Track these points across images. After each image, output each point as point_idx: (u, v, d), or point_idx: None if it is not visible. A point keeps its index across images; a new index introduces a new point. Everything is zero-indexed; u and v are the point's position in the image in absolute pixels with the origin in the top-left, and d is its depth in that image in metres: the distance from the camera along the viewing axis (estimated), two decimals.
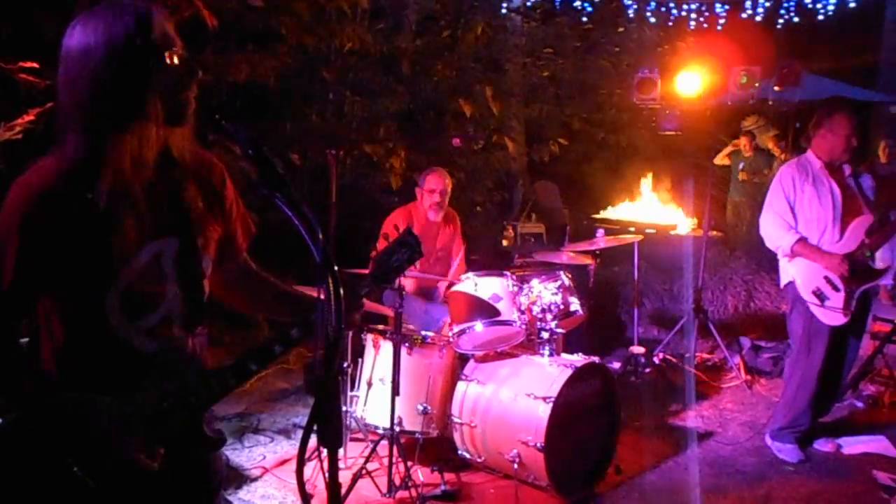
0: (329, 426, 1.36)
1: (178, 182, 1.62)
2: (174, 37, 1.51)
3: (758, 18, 11.21)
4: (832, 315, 3.87)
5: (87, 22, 1.47)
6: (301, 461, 1.39)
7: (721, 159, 10.05)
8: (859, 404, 4.95)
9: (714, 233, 8.86)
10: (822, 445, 4.20)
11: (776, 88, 5.96)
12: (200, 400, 1.63)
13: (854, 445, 4.23)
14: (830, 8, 10.85)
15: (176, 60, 1.48)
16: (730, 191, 10.10)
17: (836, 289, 3.86)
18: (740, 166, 9.89)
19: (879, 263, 3.91)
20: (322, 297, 1.36)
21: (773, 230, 4.00)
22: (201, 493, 1.78)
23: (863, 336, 4.21)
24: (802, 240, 3.92)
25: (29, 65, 3.27)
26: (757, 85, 5.80)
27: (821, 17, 11.02)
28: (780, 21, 11.28)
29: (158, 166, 1.57)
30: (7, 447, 1.54)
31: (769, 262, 5.80)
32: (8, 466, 1.53)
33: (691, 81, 6.03)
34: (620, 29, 11.52)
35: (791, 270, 4.01)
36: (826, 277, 3.88)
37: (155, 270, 1.59)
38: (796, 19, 11.18)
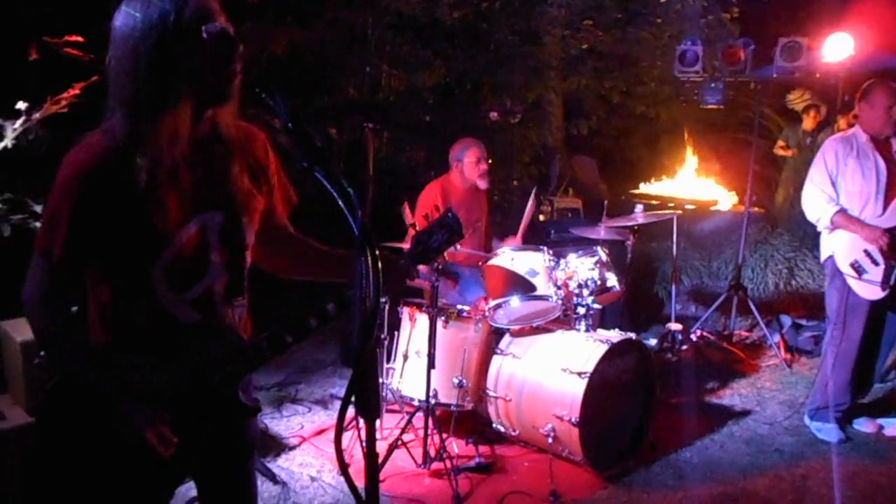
0: (367, 397, 1.38)
1: (224, 158, 1.65)
2: (215, 11, 1.51)
3: None
4: (870, 289, 3.83)
5: (129, 3, 1.50)
6: (339, 431, 1.42)
7: (780, 150, 9.69)
8: None
9: (755, 209, 8.66)
10: (863, 426, 4.14)
11: (824, 60, 5.75)
12: (237, 369, 1.68)
13: None
14: None
15: (213, 35, 1.48)
16: (785, 168, 9.74)
17: (875, 262, 3.81)
18: (808, 141, 9.53)
19: None
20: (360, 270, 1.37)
21: (814, 202, 3.98)
22: (236, 457, 1.85)
23: None
24: (842, 211, 3.88)
25: (74, 39, 3.32)
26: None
27: None
28: None
29: (204, 143, 1.60)
30: (52, 409, 1.62)
31: (811, 239, 5.68)
32: (53, 426, 1.61)
33: (735, 53, 5.87)
34: None
35: (830, 244, 3.97)
36: (866, 251, 3.83)
37: (200, 243, 1.63)
38: None
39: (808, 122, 9.60)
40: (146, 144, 1.51)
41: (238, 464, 1.87)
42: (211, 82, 1.52)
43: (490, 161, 4.61)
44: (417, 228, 1.86)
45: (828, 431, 4.02)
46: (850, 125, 9.21)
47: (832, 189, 3.93)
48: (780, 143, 9.64)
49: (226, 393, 1.68)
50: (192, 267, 1.64)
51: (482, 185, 4.57)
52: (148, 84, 1.48)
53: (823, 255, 4.08)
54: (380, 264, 1.31)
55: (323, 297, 1.70)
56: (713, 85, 6.29)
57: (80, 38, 3.41)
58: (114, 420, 1.57)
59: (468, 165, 4.52)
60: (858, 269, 3.84)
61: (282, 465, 3.61)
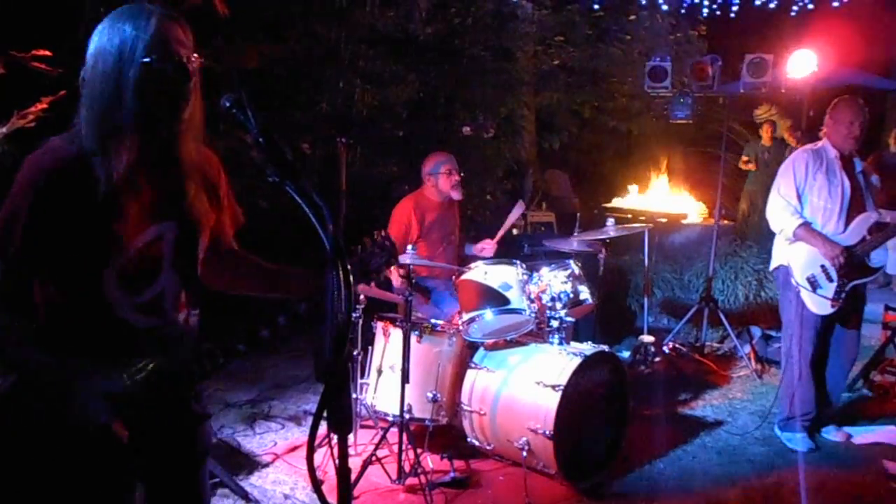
0: (339, 412, 1.38)
1: (181, 174, 1.71)
2: (175, 40, 1.60)
3: (772, 5, 11.09)
4: (821, 303, 3.92)
5: (105, 25, 1.61)
6: (311, 447, 1.41)
7: (744, 164, 9.93)
8: (870, 394, 4.94)
9: (725, 222, 8.80)
10: (832, 435, 4.20)
11: (789, 76, 5.89)
12: (191, 375, 1.70)
13: (864, 435, 4.22)
14: None
15: (168, 64, 1.58)
16: (747, 181, 9.99)
17: (830, 279, 3.91)
18: (765, 155, 9.76)
19: (874, 262, 3.96)
20: (332, 284, 1.38)
21: (779, 212, 4.03)
22: (186, 464, 1.86)
23: (860, 328, 4.19)
24: (806, 224, 3.95)
25: (41, 53, 3.29)
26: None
27: (836, 5, 10.89)
28: (795, 8, 11.16)
29: (163, 162, 1.67)
30: (5, 410, 1.61)
31: None
32: (6, 427, 1.60)
33: (703, 69, 5.98)
34: (632, 17, 11.44)
35: (786, 254, 4.04)
36: (822, 266, 3.91)
37: (154, 251, 1.68)
38: (811, 6, 11.06)
39: (764, 137, 9.86)
40: (106, 155, 1.58)
41: (188, 471, 1.87)
42: (161, 107, 1.61)
43: (463, 175, 4.64)
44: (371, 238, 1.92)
45: (797, 441, 4.07)
46: (794, 137, 9.45)
47: (797, 201, 4.00)
48: (744, 157, 9.89)
49: (178, 399, 1.72)
50: (144, 272, 1.68)
51: (455, 195, 4.58)
52: (103, 106, 1.58)
53: (774, 264, 4.17)
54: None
55: (275, 309, 1.75)
56: (682, 100, 6.40)
57: (47, 53, 3.38)
58: (69, 409, 1.57)
59: (441, 178, 4.53)
60: (814, 283, 3.92)
61: (254, 482, 3.56)
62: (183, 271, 1.75)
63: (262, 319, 1.73)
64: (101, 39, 1.59)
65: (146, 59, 1.56)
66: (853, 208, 3.96)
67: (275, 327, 1.73)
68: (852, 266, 3.89)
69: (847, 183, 3.96)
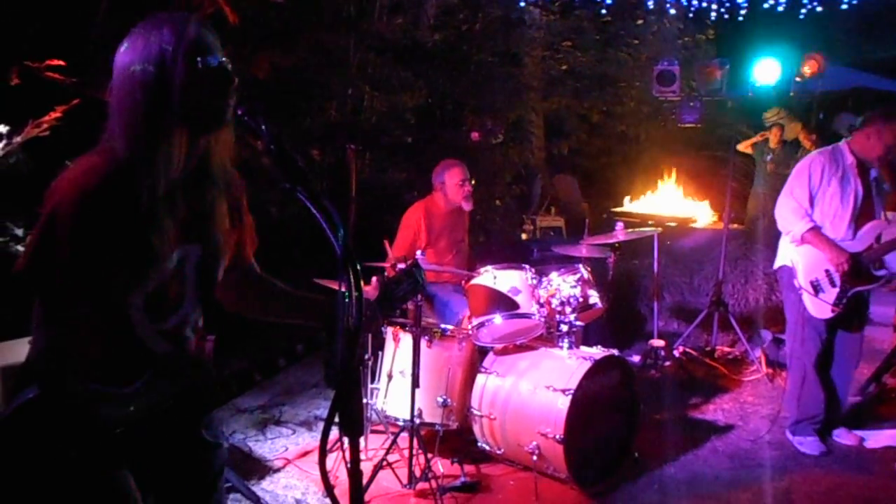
0: (351, 416, 1.39)
1: (212, 192, 1.68)
2: (213, 45, 1.57)
3: (780, 9, 11.06)
4: (821, 307, 3.91)
5: (130, 39, 1.56)
6: (323, 451, 1.42)
7: (745, 147, 9.83)
8: (882, 397, 4.90)
9: (735, 225, 8.78)
10: (845, 438, 4.17)
11: (798, 79, 5.88)
12: (203, 404, 1.67)
13: (877, 438, 4.19)
14: None
15: (209, 68, 1.54)
16: (754, 183, 9.95)
17: (833, 284, 3.90)
18: (768, 158, 9.74)
19: (880, 271, 3.95)
20: (343, 290, 1.39)
21: (789, 214, 4.01)
22: (199, 489, 1.81)
23: (863, 332, 4.18)
24: (815, 228, 3.93)
25: (55, 63, 3.33)
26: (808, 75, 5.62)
27: (844, 7, 10.85)
28: (803, 11, 11.12)
29: (196, 175, 1.63)
30: (21, 425, 1.53)
31: None
32: (20, 442, 1.53)
33: (712, 73, 5.98)
34: (640, 21, 11.45)
35: (792, 255, 4.03)
36: (827, 270, 3.90)
37: (179, 274, 1.65)
38: (819, 9, 11.02)
39: (772, 140, 9.80)
40: (146, 168, 1.54)
41: (202, 495, 1.82)
42: (204, 113, 1.56)
43: (474, 182, 4.64)
44: (394, 267, 1.92)
45: (809, 445, 4.05)
46: (809, 139, 9.38)
47: (809, 205, 3.97)
48: (747, 143, 9.68)
49: (189, 427, 1.67)
50: (170, 297, 1.64)
51: (466, 206, 4.59)
52: (147, 113, 1.53)
53: (779, 263, 4.15)
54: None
55: (292, 335, 1.73)
56: (691, 104, 6.39)
57: (61, 62, 3.42)
58: (86, 440, 1.52)
59: (452, 187, 4.54)
60: (817, 286, 3.92)
61: (266, 487, 3.58)
62: (204, 296, 1.72)
63: (278, 346, 1.70)
64: (135, 49, 1.54)
65: (193, 61, 1.52)
66: (862, 214, 3.93)
67: (292, 355, 1.72)
68: (857, 273, 3.87)
69: (860, 191, 3.92)
